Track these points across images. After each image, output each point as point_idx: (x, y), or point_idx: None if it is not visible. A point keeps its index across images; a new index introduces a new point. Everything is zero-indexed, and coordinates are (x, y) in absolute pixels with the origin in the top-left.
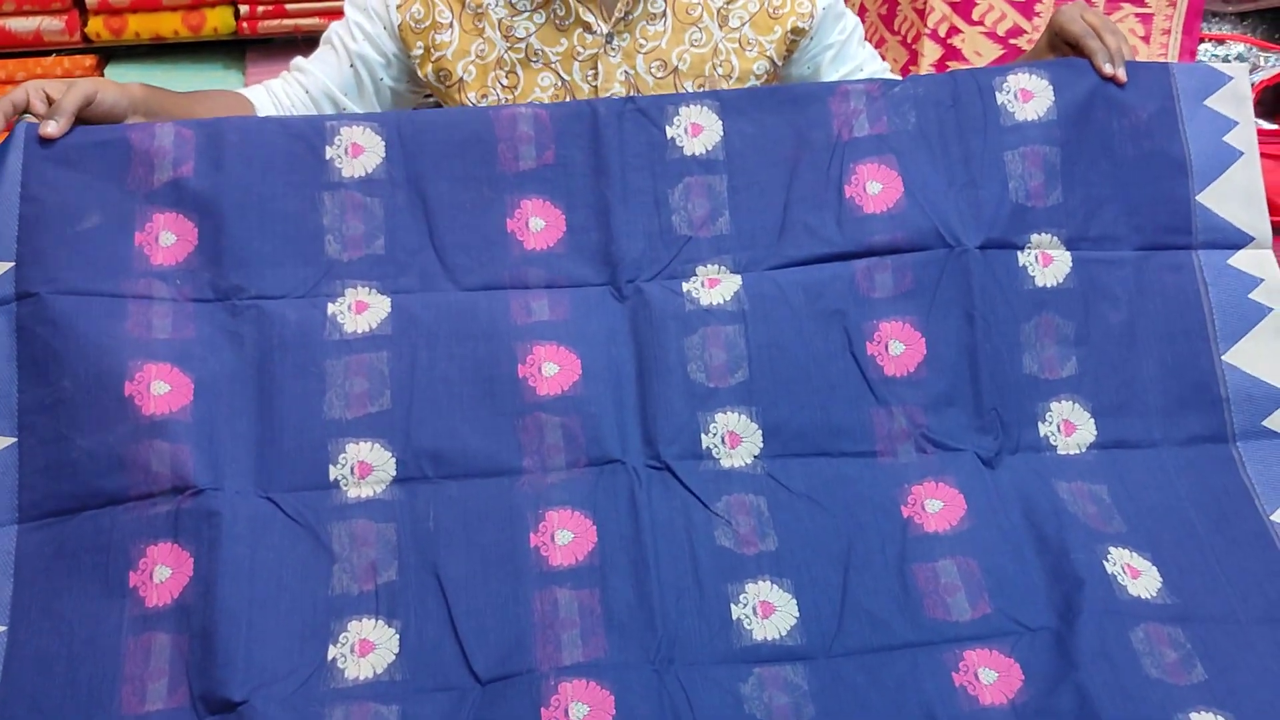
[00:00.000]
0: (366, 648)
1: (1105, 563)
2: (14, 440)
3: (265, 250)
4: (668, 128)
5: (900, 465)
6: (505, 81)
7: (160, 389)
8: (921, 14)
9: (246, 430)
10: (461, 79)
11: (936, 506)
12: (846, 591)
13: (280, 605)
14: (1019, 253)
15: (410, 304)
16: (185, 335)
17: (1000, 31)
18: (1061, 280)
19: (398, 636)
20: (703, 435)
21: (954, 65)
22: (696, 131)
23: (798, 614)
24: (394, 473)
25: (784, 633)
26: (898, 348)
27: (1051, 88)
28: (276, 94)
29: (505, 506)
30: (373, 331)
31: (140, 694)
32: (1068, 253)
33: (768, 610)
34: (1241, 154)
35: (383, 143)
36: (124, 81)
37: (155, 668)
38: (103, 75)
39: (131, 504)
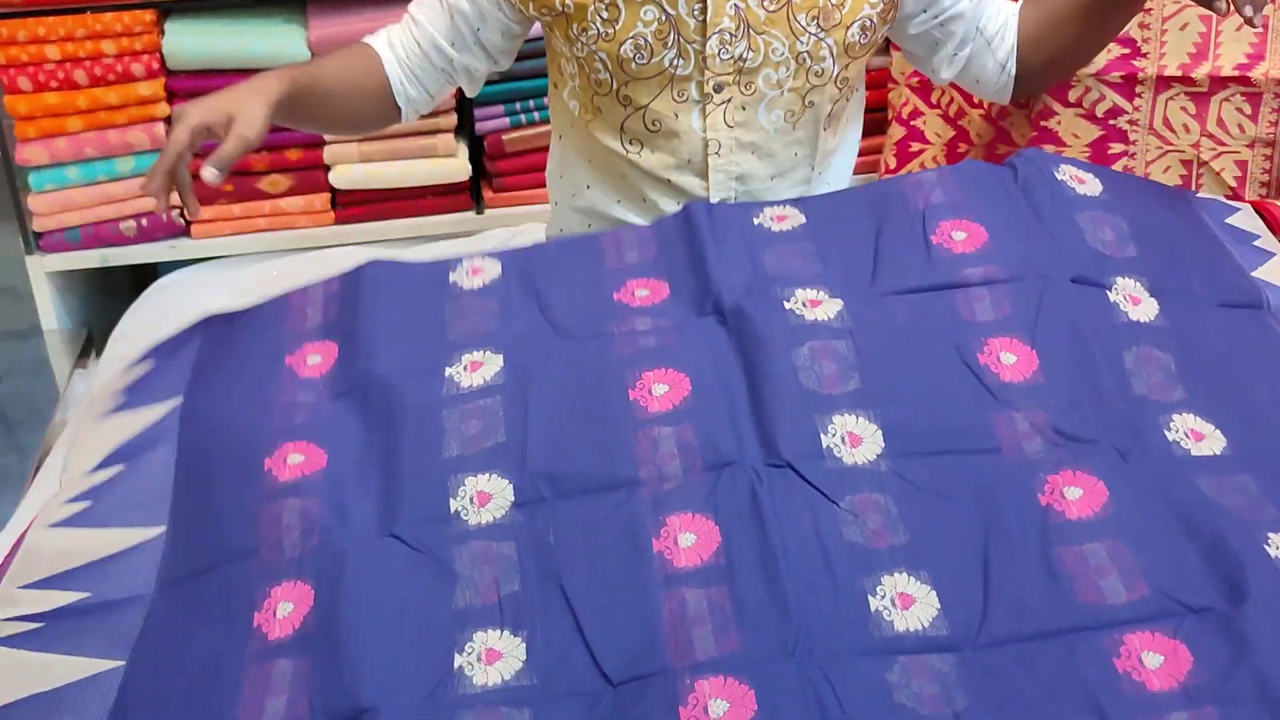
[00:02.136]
0: (493, 656)
1: (1266, 547)
2: (163, 529)
3: (391, 345)
4: (754, 219)
5: (1031, 459)
6: (605, 15)
7: (295, 460)
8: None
9: (373, 480)
10: (562, 11)
11: (1076, 494)
12: (989, 580)
13: (404, 623)
14: (1107, 291)
15: (521, 356)
16: (322, 418)
17: (1099, 114)
18: (1153, 318)
19: (524, 645)
20: (821, 436)
21: (1047, 148)
22: (781, 220)
23: (939, 605)
24: (512, 498)
25: (927, 624)
26: (1010, 358)
27: (1099, 180)
28: (395, 45)
29: (624, 517)
30: (486, 383)
31: (258, 709)
32: (1153, 299)
33: (907, 602)
34: (1273, 254)
35: (499, 265)
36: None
37: (274, 686)
38: (162, 31)
39: (261, 554)
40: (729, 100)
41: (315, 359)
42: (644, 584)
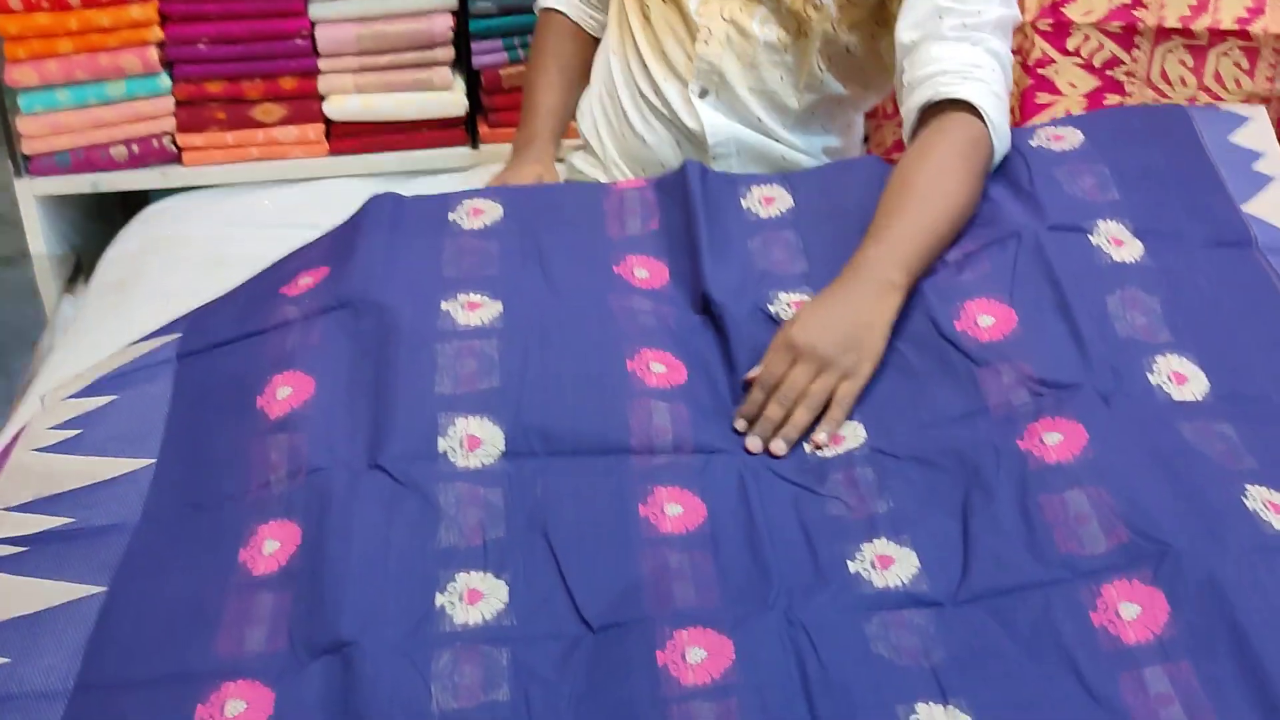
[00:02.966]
0: (475, 597)
1: (1244, 499)
2: (153, 461)
3: (388, 270)
4: (741, 200)
5: (1015, 410)
6: None
7: (284, 393)
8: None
9: (363, 411)
10: None
11: (1055, 439)
12: (968, 536)
13: (387, 558)
14: (1088, 235)
15: (520, 308)
16: (310, 342)
17: (1097, 63)
18: (1138, 259)
19: (506, 587)
20: (804, 443)
21: (1042, 97)
22: (769, 202)
23: (919, 564)
24: (502, 447)
25: (906, 580)
26: (988, 320)
27: (1079, 131)
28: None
29: (613, 482)
30: (484, 325)
31: (238, 640)
32: (1138, 240)
33: (886, 562)
34: (1271, 178)
35: (500, 208)
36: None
37: (255, 618)
38: None
39: (251, 494)
40: None
41: (306, 280)
42: (628, 541)
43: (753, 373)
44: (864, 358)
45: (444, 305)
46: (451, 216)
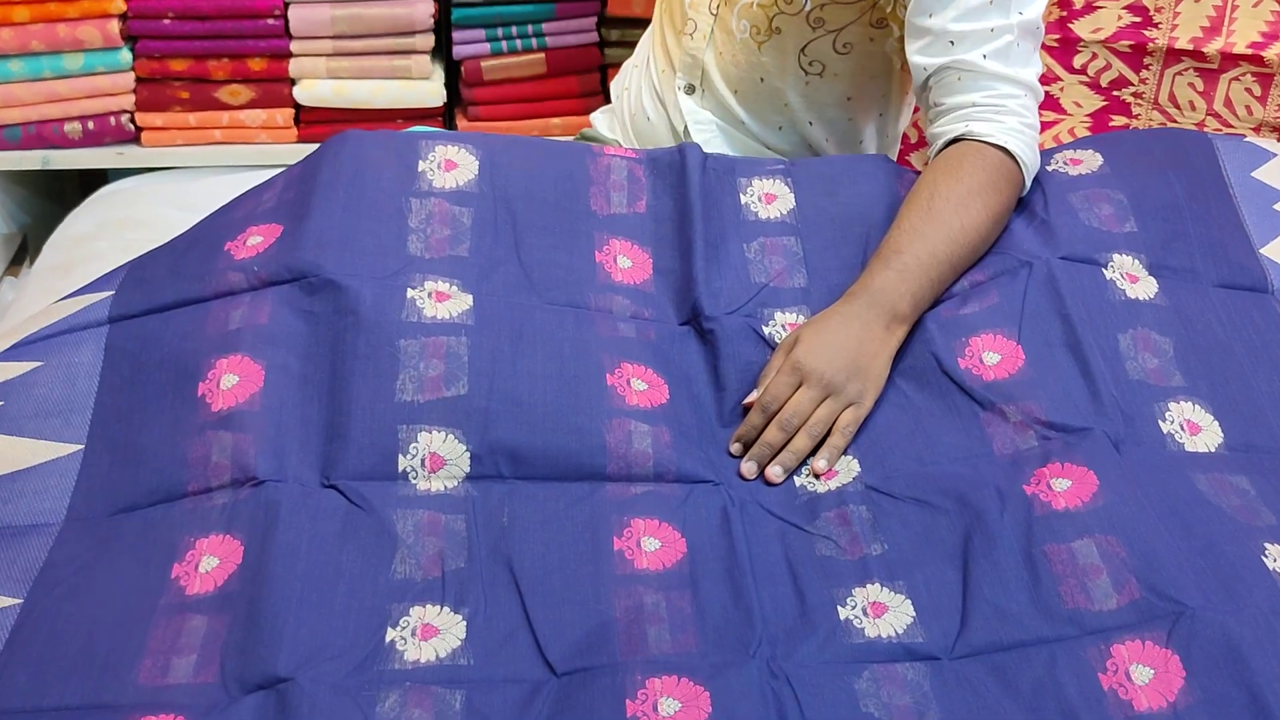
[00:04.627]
0: (430, 632)
1: (1264, 559)
2: (80, 447)
3: (346, 237)
4: (741, 195)
5: (1021, 454)
6: None
7: (229, 382)
8: None
9: (316, 415)
10: None
11: (1064, 484)
12: (968, 585)
13: (336, 586)
14: (1103, 269)
15: (494, 302)
16: (258, 321)
17: (1104, 83)
18: (1152, 297)
19: (464, 623)
20: (794, 476)
21: (1045, 115)
22: (769, 200)
23: (914, 613)
24: (467, 469)
25: (900, 631)
26: (993, 357)
27: (1098, 154)
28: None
29: (587, 511)
30: (452, 319)
31: (163, 668)
32: (1152, 278)
33: (879, 610)
34: None
35: (476, 162)
36: None
37: (184, 645)
38: None
39: (188, 499)
40: None
41: (255, 239)
42: (600, 578)
43: (753, 396)
44: (868, 387)
45: (410, 293)
46: (421, 166)
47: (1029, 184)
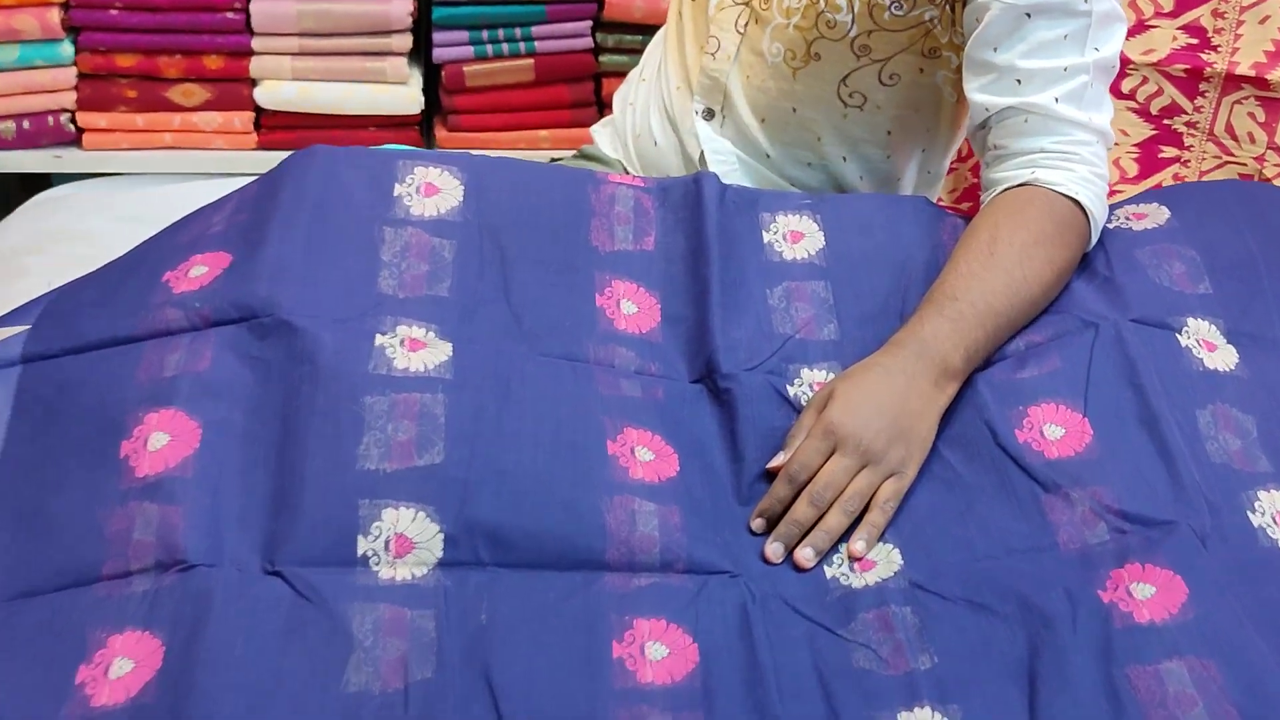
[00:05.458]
0: None
1: None
2: None
3: (306, 270)
4: (764, 233)
5: (1092, 550)
6: None
7: (159, 441)
8: None
9: (261, 483)
10: None
11: (1147, 592)
12: (1035, 710)
13: (275, 700)
14: (1177, 334)
15: (477, 352)
16: (198, 368)
17: (1154, 110)
18: (1232, 368)
19: None
20: (825, 567)
21: None
22: (796, 239)
23: None
24: (440, 554)
25: None
26: (1056, 431)
27: (1164, 207)
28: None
29: (580, 606)
30: (428, 372)
31: None
32: (1231, 346)
33: None
34: None
35: (461, 187)
36: None
37: None
38: None
39: (102, 584)
40: (746, 3)
41: (199, 270)
42: (596, 693)
43: (778, 460)
44: (912, 454)
45: (379, 339)
46: (398, 190)
47: (1095, 239)
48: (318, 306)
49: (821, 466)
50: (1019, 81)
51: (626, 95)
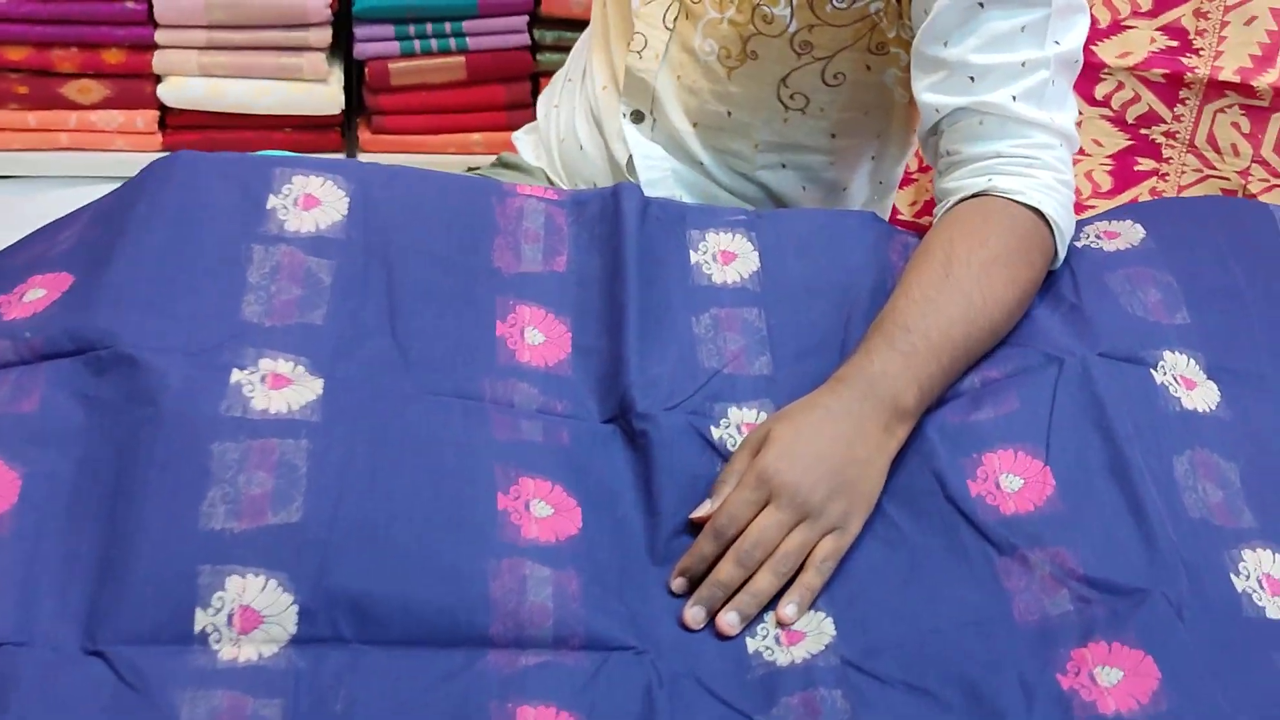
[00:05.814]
0: None
1: None
2: None
3: (157, 293)
4: (691, 252)
5: (1052, 623)
6: None
7: None
8: None
9: (88, 546)
10: None
11: (1114, 677)
12: None
13: None
14: (1151, 370)
15: (352, 390)
16: (22, 409)
17: (1130, 118)
18: (1214, 408)
19: None
20: (748, 639)
21: None
22: (727, 259)
23: None
24: (293, 629)
25: None
26: (1013, 482)
27: (1139, 225)
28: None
29: (458, 693)
30: (292, 414)
31: None
32: (1212, 382)
33: None
34: None
35: (346, 199)
36: None
37: None
38: None
39: None
40: None
41: (36, 294)
42: None
43: (703, 510)
44: (855, 508)
45: (235, 375)
46: (272, 202)
47: (1062, 255)
48: (166, 338)
49: (752, 520)
50: (972, 79)
51: (551, 98)
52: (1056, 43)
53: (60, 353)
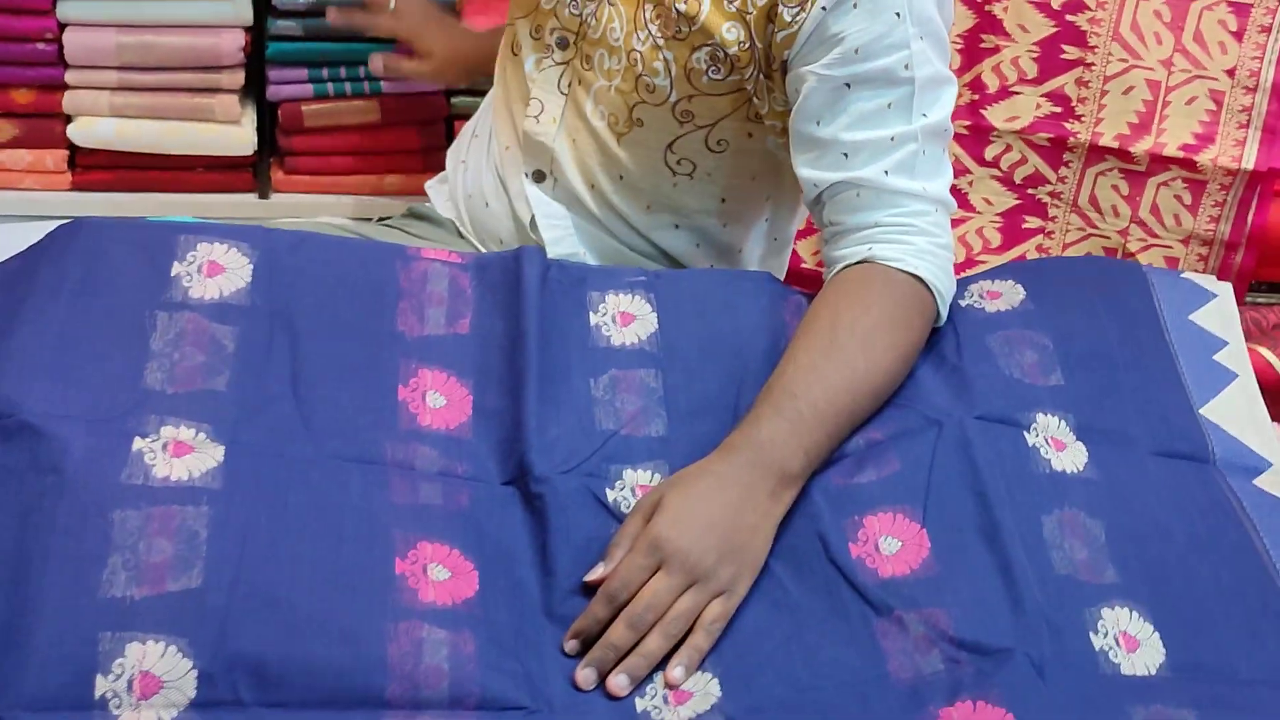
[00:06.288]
0: None
1: None
2: None
3: (60, 361)
4: (591, 314)
5: (924, 681)
6: None
7: None
8: None
9: None
10: None
11: None
12: None
13: None
14: (1024, 432)
15: (253, 457)
16: None
17: (1018, 179)
18: (1081, 468)
19: None
20: (637, 699)
21: (988, 39)
22: (627, 321)
23: None
24: (192, 694)
25: None
26: (892, 545)
27: (1020, 286)
28: None
29: None
30: (192, 482)
31: None
32: (1081, 443)
33: None
34: (1236, 376)
35: (250, 266)
36: None
37: None
38: None
39: None
40: (567, 63)
41: None
42: None
43: (596, 573)
44: (743, 572)
45: (138, 443)
46: (176, 269)
47: (944, 314)
48: (70, 405)
49: (644, 584)
50: (845, 155)
51: (459, 153)
52: (924, 115)
53: None
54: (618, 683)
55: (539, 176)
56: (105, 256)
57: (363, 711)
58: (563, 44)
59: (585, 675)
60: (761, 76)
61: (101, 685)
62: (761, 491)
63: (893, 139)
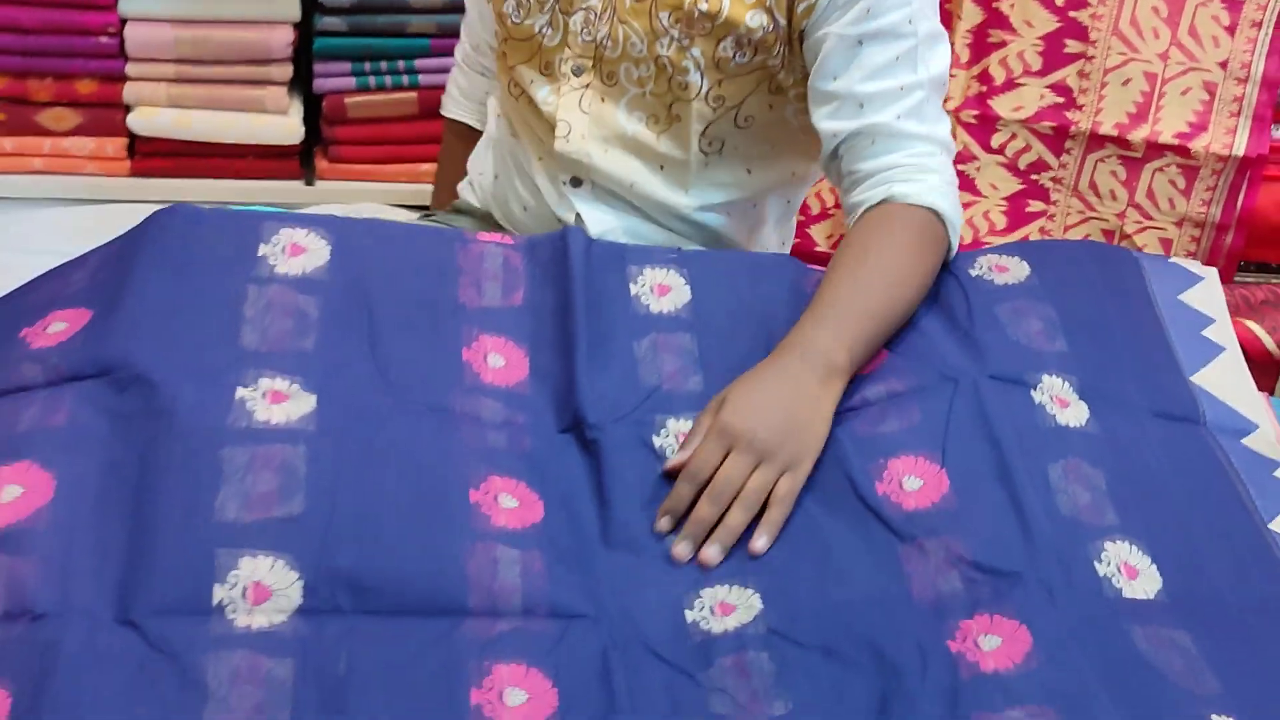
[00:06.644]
0: None
1: None
2: None
3: (166, 325)
4: (631, 286)
5: (944, 599)
6: None
7: (11, 494)
8: None
9: (115, 536)
10: None
11: (993, 642)
12: None
13: None
14: (1031, 390)
15: (340, 406)
16: (53, 423)
17: (1022, 165)
18: (1084, 424)
19: None
20: (686, 610)
21: (995, 34)
22: (663, 291)
23: None
24: (299, 600)
25: None
26: (914, 483)
27: (1025, 263)
28: (465, 90)
29: (441, 656)
30: (290, 424)
31: None
32: (1083, 403)
33: None
34: (1224, 349)
35: (327, 247)
36: None
37: None
38: None
39: None
40: (588, 86)
41: (59, 326)
42: None
43: (676, 459)
44: (806, 450)
45: (240, 392)
46: (263, 250)
47: (954, 245)
48: (177, 361)
49: (719, 465)
50: (861, 105)
51: (477, 165)
52: (926, 66)
53: (83, 375)
54: (710, 553)
55: (576, 182)
56: (200, 238)
57: (447, 618)
58: (578, 71)
59: (682, 548)
60: (785, 51)
61: (219, 593)
62: (812, 381)
63: (901, 88)
